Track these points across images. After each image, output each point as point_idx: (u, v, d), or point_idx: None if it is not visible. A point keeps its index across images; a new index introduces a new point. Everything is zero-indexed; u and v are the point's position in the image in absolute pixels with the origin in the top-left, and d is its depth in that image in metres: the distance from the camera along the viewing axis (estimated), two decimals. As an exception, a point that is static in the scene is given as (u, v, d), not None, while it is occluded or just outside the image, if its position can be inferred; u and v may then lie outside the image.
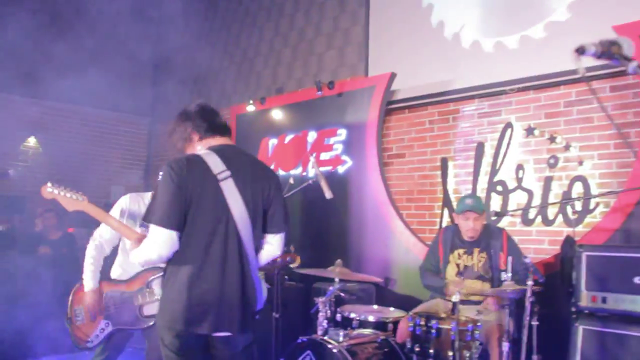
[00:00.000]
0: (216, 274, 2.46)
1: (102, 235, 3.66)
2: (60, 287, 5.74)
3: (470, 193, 5.20)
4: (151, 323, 3.51)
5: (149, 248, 2.42)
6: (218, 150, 2.60)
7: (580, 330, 3.46)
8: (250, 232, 2.56)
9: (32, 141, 8.76)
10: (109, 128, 9.73)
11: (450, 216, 5.36)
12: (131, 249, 2.69)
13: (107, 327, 3.68)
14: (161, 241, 2.39)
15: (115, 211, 3.65)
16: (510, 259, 3.69)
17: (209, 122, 2.70)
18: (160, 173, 2.53)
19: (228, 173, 2.53)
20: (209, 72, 8.94)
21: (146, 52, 9.71)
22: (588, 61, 1.54)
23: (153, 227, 2.41)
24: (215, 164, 2.53)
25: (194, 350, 2.55)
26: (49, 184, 3.14)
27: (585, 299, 3.49)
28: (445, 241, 4.38)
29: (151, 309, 3.57)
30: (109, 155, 9.68)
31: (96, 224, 3.61)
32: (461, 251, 4.29)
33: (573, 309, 3.53)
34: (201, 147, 2.67)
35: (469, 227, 4.24)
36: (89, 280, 3.64)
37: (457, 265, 4.26)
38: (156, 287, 3.55)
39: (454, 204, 5.39)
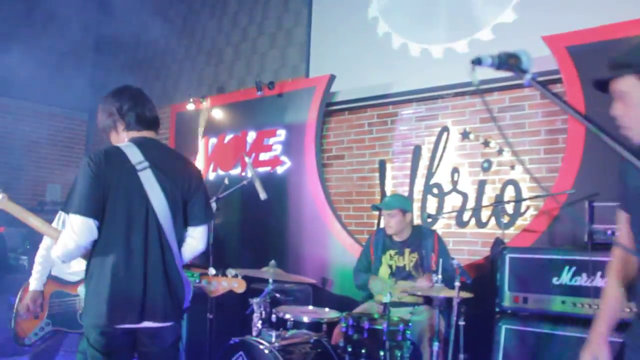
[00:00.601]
0: (138, 265, 2.44)
1: None
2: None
3: (396, 192, 5.34)
4: None
5: (66, 237, 2.37)
6: (138, 143, 2.58)
7: (503, 330, 3.57)
8: (171, 223, 2.54)
9: (-38, 136, 8.42)
10: (45, 123, 9.40)
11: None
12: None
13: (47, 326, 3.65)
14: (78, 229, 2.35)
15: None
16: (440, 260, 3.77)
17: (138, 114, 2.65)
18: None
19: (146, 164, 2.51)
20: (149, 69, 8.79)
21: (86, 45, 9.48)
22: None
23: (71, 216, 2.37)
24: (134, 155, 2.51)
25: (120, 348, 2.50)
26: None
27: (508, 299, 3.60)
28: (377, 243, 4.43)
29: None
30: (45, 151, 9.36)
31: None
32: (392, 252, 4.34)
33: (497, 309, 3.64)
34: (125, 137, 2.64)
35: (384, 223, 4.39)
36: (33, 280, 3.60)
37: (390, 266, 4.32)
38: None
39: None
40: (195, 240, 2.71)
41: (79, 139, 9.93)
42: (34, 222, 3.01)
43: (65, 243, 2.37)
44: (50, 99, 8.95)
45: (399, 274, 4.25)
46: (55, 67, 8.33)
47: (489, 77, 4.82)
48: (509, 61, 1.36)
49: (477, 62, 1.35)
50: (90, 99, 9.93)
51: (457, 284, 3.47)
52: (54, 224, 3.39)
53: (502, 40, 4.88)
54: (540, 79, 1.38)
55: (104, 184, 2.41)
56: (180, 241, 2.64)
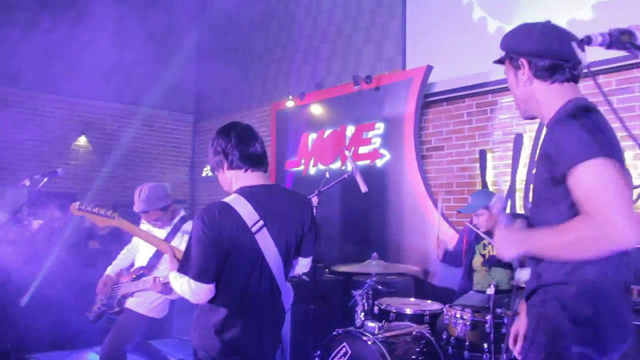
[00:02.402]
0: (250, 320, 2.49)
1: None
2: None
3: (480, 190, 5.19)
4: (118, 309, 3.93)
5: (188, 292, 2.44)
6: (248, 195, 2.50)
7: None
8: (282, 270, 2.57)
9: (82, 140, 9.09)
10: (155, 125, 10.00)
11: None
12: (169, 264, 2.74)
13: (100, 308, 4.06)
14: (198, 292, 2.40)
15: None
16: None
17: (242, 151, 2.56)
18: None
19: (261, 223, 2.46)
20: (249, 70, 9.07)
21: (189, 50, 9.96)
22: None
23: (191, 280, 2.42)
24: (249, 215, 2.45)
25: None
26: (77, 203, 3.30)
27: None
28: (471, 232, 4.43)
29: (131, 303, 3.91)
30: (156, 152, 9.96)
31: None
32: (486, 241, 4.32)
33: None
34: (231, 177, 2.60)
35: (474, 222, 4.46)
36: (108, 267, 4.07)
37: (483, 255, 4.29)
38: (141, 282, 3.79)
39: (493, 196, 5.38)
40: (302, 266, 2.78)
41: (186, 140, 10.46)
42: (143, 235, 3.29)
43: (185, 294, 2.46)
44: (161, 102, 9.48)
45: (491, 260, 4.23)
46: (163, 73, 8.84)
47: (592, 60, 4.62)
48: (621, 38, 1.26)
49: (587, 41, 1.26)
50: (195, 100, 10.47)
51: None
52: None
53: (603, 21, 4.65)
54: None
55: (220, 250, 2.40)
56: (288, 274, 2.68)
